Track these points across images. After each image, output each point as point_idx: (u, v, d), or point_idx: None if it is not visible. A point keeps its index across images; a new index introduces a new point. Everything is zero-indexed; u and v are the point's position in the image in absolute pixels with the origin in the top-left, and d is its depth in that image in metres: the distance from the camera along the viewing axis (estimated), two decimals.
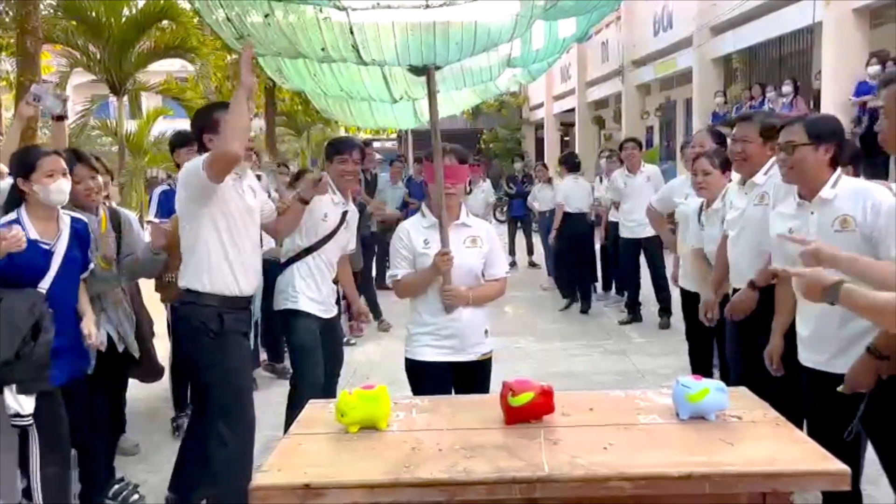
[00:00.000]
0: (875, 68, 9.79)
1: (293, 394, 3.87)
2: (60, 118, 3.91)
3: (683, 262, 4.59)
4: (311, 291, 3.89)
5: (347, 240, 4.13)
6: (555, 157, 22.61)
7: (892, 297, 2.51)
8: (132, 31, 11.02)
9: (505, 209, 14.10)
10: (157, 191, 4.52)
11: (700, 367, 4.32)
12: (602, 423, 2.20)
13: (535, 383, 2.22)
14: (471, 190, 9.77)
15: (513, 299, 9.15)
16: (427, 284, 3.09)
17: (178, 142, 4.42)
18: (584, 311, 8.24)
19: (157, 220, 4.21)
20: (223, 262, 3.08)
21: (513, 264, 11.13)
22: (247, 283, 3.18)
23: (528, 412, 2.20)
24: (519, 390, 2.19)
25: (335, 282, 4.13)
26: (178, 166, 4.32)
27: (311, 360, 3.86)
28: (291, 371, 4.11)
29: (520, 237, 11.90)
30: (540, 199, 10.14)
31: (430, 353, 3.10)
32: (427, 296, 3.12)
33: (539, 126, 27.99)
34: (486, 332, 3.21)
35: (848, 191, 2.59)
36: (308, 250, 3.90)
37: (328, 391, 3.77)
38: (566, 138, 25.94)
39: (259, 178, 4.49)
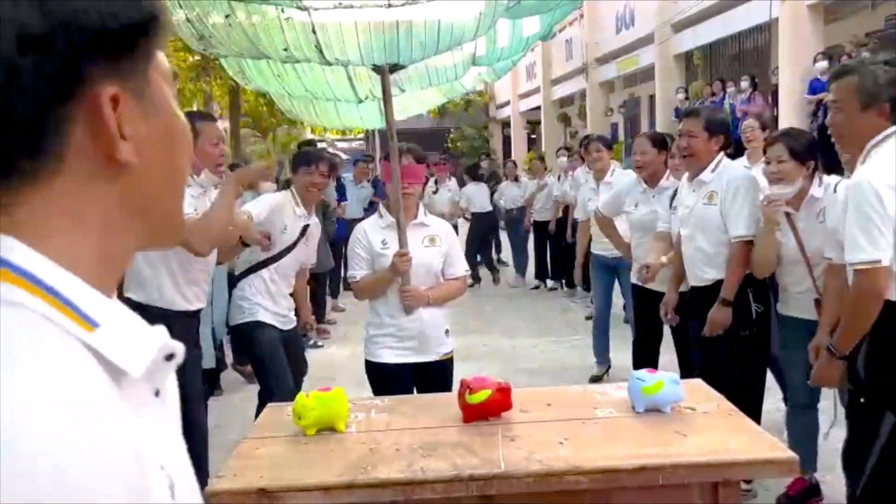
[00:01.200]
0: (822, 64, 10.00)
1: (262, 405, 3.79)
2: None
3: (640, 261, 4.53)
4: (268, 303, 3.76)
5: (307, 255, 3.99)
6: (522, 154, 22.77)
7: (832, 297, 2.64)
8: None
9: None
10: None
11: (646, 365, 4.30)
12: (559, 419, 2.22)
13: (493, 380, 2.23)
14: (437, 189, 9.81)
15: (480, 297, 9.19)
16: (386, 285, 3.07)
17: None
18: (475, 283, 9.56)
19: None
20: (171, 283, 3.07)
21: (480, 262, 11.17)
22: (195, 296, 3.17)
23: (486, 409, 2.21)
24: (476, 388, 2.20)
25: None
26: None
27: (277, 368, 3.74)
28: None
29: None
30: (506, 196, 10.19)
31: (390, 355, 3.08)
32: (386, 297, 3.09)
33: (506, 124, 28.10)
34: (446, 331, 3.19)
35: None
36: (264, 263, 3.77)
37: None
38: (533, 136, 26.09)
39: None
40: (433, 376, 3.11)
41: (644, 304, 4.43)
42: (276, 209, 3.73)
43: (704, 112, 3.58)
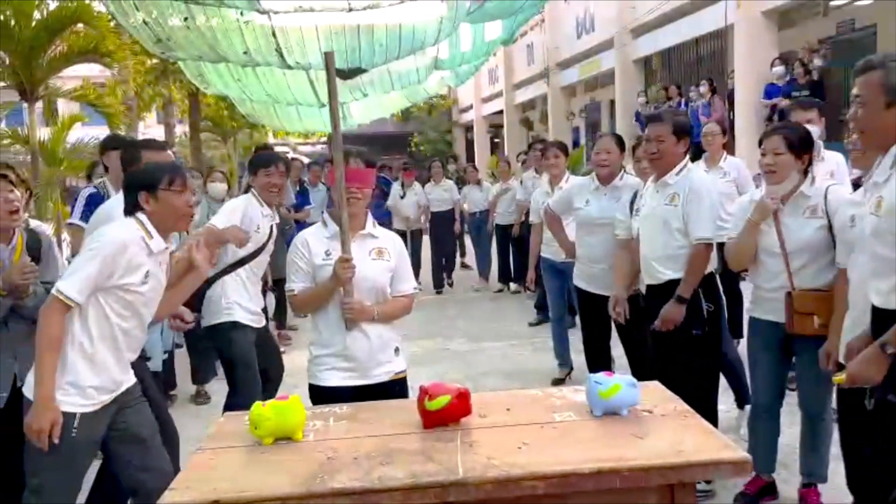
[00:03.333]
0: (779, 69, 10.24)
1: (231, 409, 3.78)
2: None
3: (584, 263, 4.53)
4: (246, 302, 3.87)
5: (271, 252, 4.11)
6: (485, 158, 22.86)
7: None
8: (43, 34, 10.55)
9: None
10: (84, 193, 4.33)
11: (599, 364, 4.34)
12: (518, 423, 2.22)
13: (452, 386, 2.23)
14: (404, 194, 9.80)
15: (442, 300, 9.19)
16: (327, 297, 2.81)
17: (110, 144, 4.29)
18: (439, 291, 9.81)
19: (79, 223, 4.06)
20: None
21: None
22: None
23: (446, 415, 2.20)
24: (435, 394, 2.19)
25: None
26: (107, 169, 4.19)
27: (250, 373, 3.82)
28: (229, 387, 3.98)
29: None
30: (470, 200, 10.21)
31: (333, 378, 2.82)
32: (327, 312, 2.83)
33: (469, 128, 28.21)
34: (396, 349, 2.94)
35: None
36: (242, 261, 3.86)
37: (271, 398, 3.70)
38: (496, 140, 26.22)
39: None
40: (384, 399, 2.77)
41: (589, 307, 4.49)
42: (246, 212, 3.83)
43: (672, 117, 3.62)
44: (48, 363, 2.41)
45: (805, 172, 3.15)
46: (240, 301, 3.83)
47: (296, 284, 2.87)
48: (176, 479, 1.93)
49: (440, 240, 10.06)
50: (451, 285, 10.08)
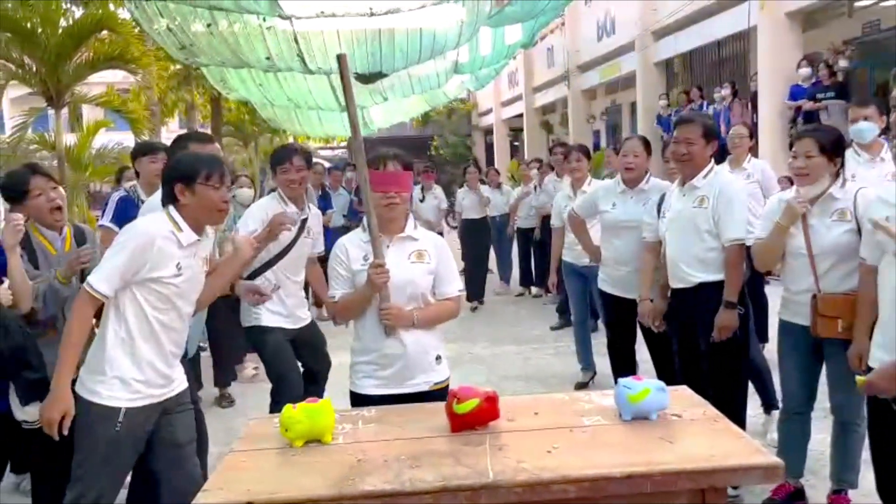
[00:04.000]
0: (805, 71, 10.13)
1: (275, 404, 3.85)
2: None
3: (610, 266, 4.47)
4: (274, 305, 3.89)
5: (312, 246, 4.14)
6: (505, 161, 22.86)
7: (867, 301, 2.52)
8: (69, 42, 10.73)
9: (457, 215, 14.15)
10: (115, 196, 4.39)
11: (624, 368, 4.30)
12: (546, 427, 2.21)
13: (480, 390, 2.23)
14: (424, 197, 9.81)
15: (464, 304, 9.18)
16: (365, 304, 2.73)
17: (142, 150, 4.34)
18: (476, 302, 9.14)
19: (110, 225, 4.13)
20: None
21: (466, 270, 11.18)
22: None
23: (474, 419, 2.20)
24: (464, 397, 2.19)
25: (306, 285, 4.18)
26: (138, 174, 4.25)
27: (282, 369, 3.90)
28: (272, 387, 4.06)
29: None
30: (491, 204, 10.20)
31: (371, 385, 2.75)
32: (364, 318, 2.76)
33: (489, 131, 28.21)
34: (437, 357, 2.82)
35: None
36: (267, 265, 3.89)
37: (317, 395, 3.74)
38: (515, 143, 26.20)
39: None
40: None
41: (615, 310, 4.46)
42: (268, 214, 3.84)
43: (700, 119, 3.61)
44: (69, 354, 2.46)
45: (837, 174, 3.13)
46: (268, 304, 3.86)
47: (336, 291, 2.80)
48: (209, 481, 1.95)
49: (473, 249, 9.69)
50: (481, 303, 9.25)
